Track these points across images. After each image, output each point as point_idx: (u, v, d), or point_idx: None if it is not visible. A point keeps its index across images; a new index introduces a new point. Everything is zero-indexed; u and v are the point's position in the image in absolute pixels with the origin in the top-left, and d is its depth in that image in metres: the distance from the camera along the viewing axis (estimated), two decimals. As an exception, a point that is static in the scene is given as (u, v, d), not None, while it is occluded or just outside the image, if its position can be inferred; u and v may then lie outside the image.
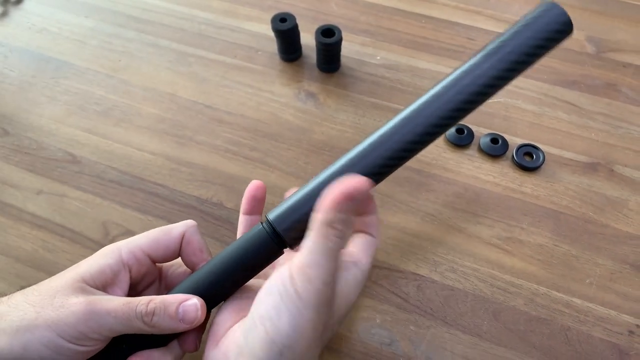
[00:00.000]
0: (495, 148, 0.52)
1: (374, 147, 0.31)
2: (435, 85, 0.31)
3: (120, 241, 0.35)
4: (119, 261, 0.33)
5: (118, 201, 0.50)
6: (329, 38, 0.55)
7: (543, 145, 0.53)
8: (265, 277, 0.37)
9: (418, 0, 0.68)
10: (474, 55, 0.31)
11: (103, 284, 0.33)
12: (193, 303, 0.32)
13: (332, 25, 0.56)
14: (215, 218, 0.49)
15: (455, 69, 0.31)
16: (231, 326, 0.32)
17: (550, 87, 0.58)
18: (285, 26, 0.56)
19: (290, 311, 0.27)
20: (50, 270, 0.46)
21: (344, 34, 0.58)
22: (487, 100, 0.31)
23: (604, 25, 0.65)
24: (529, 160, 0.52)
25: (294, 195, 0.32)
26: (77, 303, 0.30)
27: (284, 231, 0.31)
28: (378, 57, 0.61)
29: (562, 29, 0.30)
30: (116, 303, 0.30)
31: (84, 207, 0.50)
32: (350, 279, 0.33)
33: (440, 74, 0.59)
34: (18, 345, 0.29)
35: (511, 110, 0.56)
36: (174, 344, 0.34)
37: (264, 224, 0.32)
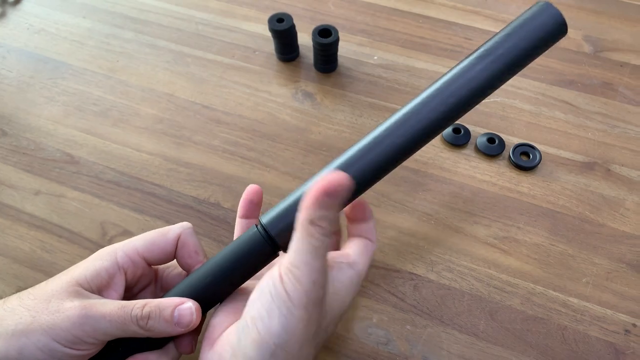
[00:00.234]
0: (492, 148, 0.52)
1: (369, 148, 0.31)
2: (429, 86, 0.31)
3: (116, 244, 0.35)
4: (115, 264, 0.33)
5: (116, 201, 0.50)
6: (326, 38, 0.55)
7: (540, 145, 0.53)
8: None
9: (415, 0, 0.68)
10: (468, 56, 0.31)
11: (98, 287, 0.33)
12: (188, 307, 0.32)
13: (329, 25, 0.56)
14: (213, 218, 0.49)
15: (449, 71, 0.31)
16: (227, 328, 0.32)
17: (547, 87, 0.58)
18: (282, 26, 0.56)
19: (281, 311, 0.27)
20: (48, 270, 0.46)
21: (341, 34, 0.58)
22: (481, 101, 0.31)
23: (601, 24, 0.65)
24: (525, 159, 0.52)
25: (286, 198, 0.32)
26: (72, 307, 0.30)
27: (277, 234, 0.32)
28: (375, 57, 0.62)
29: (557, 29, 0.30)
30: (111, 307, 0.31)
31: (82, 207, 0.50)
32: (344, 280, 0.33)
33: (438, 74, 0.59)
34: (14, 349, 0.29)
35: (508, 110, 0.56)
36: (170, 346, 0.34)
37: (258, 227, 0.33)
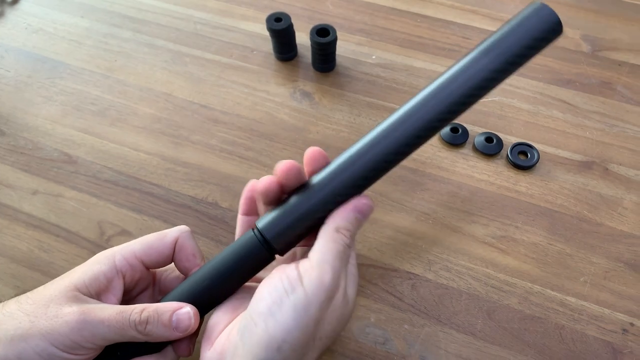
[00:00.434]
0: (490, 147, 0.52)
1: (365, 151, 0.31)
2: (426, 87, 0.31)
3: (114, 247, 0.35)
4: (113, 268, 0.34)
5: (114, 201, 0.50)
6: (324, 37, 0.55)
7: (538, 144, 0.53)
8: (258, 280, 0.37)
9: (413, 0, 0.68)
10: (464, 56, 0.31)
11: (97, 291, 0.33)
12: (186, 311, 0.32)
13: (327, 25, 0.56)
14: (211, 218, 0.49)
15: (445, 71, 0.31)
16: (226, 326, 0.32)
17: (545, 86, 0.58)
18: (280, 26, 0.56)
19: (296, 307, 0.28)
20: (45, 270, 0.46)
21: (339, 34, 0.58)
22: (477, 102, 0.31)
23: (599, 23, 0.65)
24: (523, 159, 0.52)
25: (282, 203, 0.32)
26: (71, 313, 0.30)
27: (273, 239, 0.32)
28: (373, 57, 0.62)
29: (552, 29, 0.30)
30: (109, 312, 0.31)
31: (80, 207, 0.50)
32: (349, 292, 0.33)
33: (436, 73, 0.59)
34: (13, 354, 0.29)
35: (506, 109, 0.56)
36: (168, 349, 0.34)
37: (255, 231, 0.33)
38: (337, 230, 0.31)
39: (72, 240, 0.48)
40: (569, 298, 0.44)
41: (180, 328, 0.32)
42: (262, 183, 0.34)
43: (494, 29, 0.64)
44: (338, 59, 0.61)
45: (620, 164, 0.52)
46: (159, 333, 0.31)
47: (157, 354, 0.34)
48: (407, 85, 0.59)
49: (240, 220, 0.39)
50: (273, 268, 0.39)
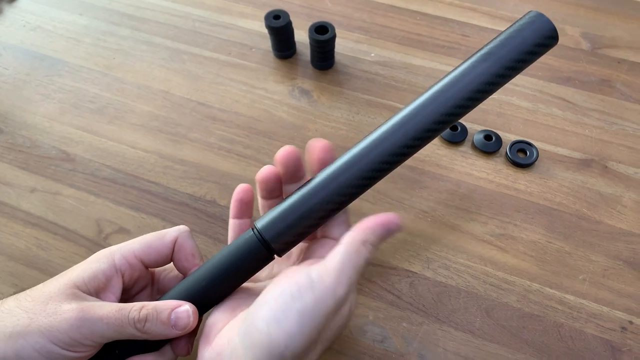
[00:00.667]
0: (489, 145, 0.52)
1: (366, 152, 0.32)
2: (425, 92, 0.32)
3: (113, 246, 0.35)
4: (112, 266, 0.34)
5: (112, 199, 0.50)
6: (323, 35, 0.55)
7: (537, 142, 0.53)
8: (256, 280, 0.37)
9: (413, -3, 0.68)
10: (462, 63, 0.31)
11: (96, 290, 0.33)
12: (185, 309, 0.32)
13: (326, 22, 0.56)
14: (209, 215, 0.49)
15: (444, 77, 0.32)
16: (224, 326, 0.32)
17: (544, 84, 0.58)
18: (278, 23, 0.56)
19: (302, 314, 0.27)
20: (43, 268, 0.46)
21: (338, 31, 0.58)
22: (474, 107, 0.32)
23: (598, 21, 0.64)
24: (522, 156, 0.51)
25: (282, 203, 0.32)
26: (70, 310, 0.30)
27: (272, 239, 0.32)
28: (372, 54, 0.61)
29: (548, 38, 0.31)
30: (108, 309, 0.31)
31: (78, 205, 0.50)
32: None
33: (435, 71, 0.59)
34: (11, 351, 0.29)
35: (505, 107, 0.56)
36: (167, 348, 0.34)
37: (255, 230, 0.33)
38: (364, 243, 0.30)
39: (70, 238, 0.48)
40: (567, 296, 0.44)
41: (179, 326, 0.31)
42: (261, 172, 0.34)
43: (494, 27, 0.64)
44: (337, 57, 0.61)
45: (620, 162, 0.52)
46: (157, 331, 0.31)
47: (156, 352, 0.33)
48: (406, 83, 0.58)
49: (232, 223, 0.39)
50: (272, 268, 0.39)
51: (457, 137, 0.53)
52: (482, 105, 0.55)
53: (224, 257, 0.33)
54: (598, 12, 0.66)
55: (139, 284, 0.36)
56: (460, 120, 0.54)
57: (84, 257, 0.34)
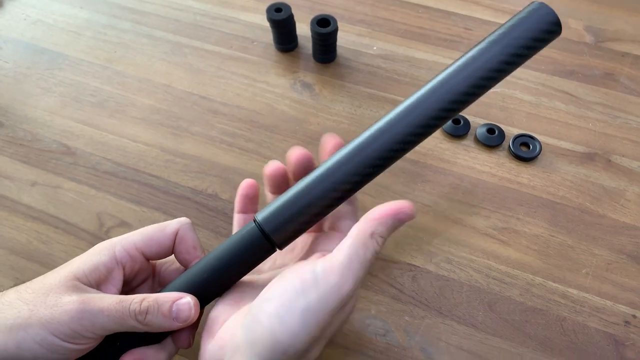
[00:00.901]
0: (492, 138, 0.52)
1: (367, 144, 0.31)
2: (427, 83, 0.31)
3: (114, 238, 0.35)
4: (113, 258, 0.33)
5: (113, 192, 0.50)
6: (325, 28, 0.55)
7: (540, 136, 0.52)
8: (259, 272, 0.37)
9: (415, -10, 0.67)
10: (463, 55, 0.31)
11: (97, 282, 0.32)
12: (187, 301, 0.32)
13: (328, 15, 0.55)
14: (210, 209, 0.49)
15: (445, 69, 0.31)
16: (227, 319, 0.32)
17: (547, 77, 0.58)
18: (280, 16, 0.55)
19: (306, 312, 0.27)
20: (44, 261, 0.46)
21: (340, 24, 0.57)
22: (476, 99, 0.31)
23: (602, 14, 0.64)
24: (525, 150, 0.51)
25: (283, 195, 0.32)
26: (70, 302, 0.30)
27: (272, 231, 0.31)
28: (374, 48, 0.61)
29: (551, 29, 0.30)
30: (109, 301, 0.30)
31: (79, 198, 0.50)
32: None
33: (437, 64, 0.59)
34: (12, 343, 0.29)
35: (508, 101, 0.56)
36: (168, 340, 0.34)
37: (256, 222, 0.32)
38: (373, 235, 0.29)
39: (71, 231, 0.48)
40: (570, 290, 0.44)
41: (180, 318, 0.31)
42: (269, 168, 0.34)
43: (497, 20, 0.64)
44: (339, 50, 0.60)
45: (623, 156, 0.51)
46: (158, 323, 0.31)
47: (157, 345, 0.33)
48: (408, 76, 0.58)
49: (237, 218, 0.39)
50: (275, 260, 0.39)
51: (460, 131, 0.52)
52: (484, 99, 0.55)
53: (226, 249, 0.33)
54: (602, 5, 0.65)
55: (139, 276, 0.36)
56: (462, 114, 0.53)
57: (85, 251, 0.34)
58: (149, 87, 0.58)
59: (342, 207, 0.36)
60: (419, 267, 0.45)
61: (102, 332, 0.30)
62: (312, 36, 0.56)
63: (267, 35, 0.62)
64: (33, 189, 0.50)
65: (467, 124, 0.53)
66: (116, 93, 0.57)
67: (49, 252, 0.46)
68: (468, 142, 0.52)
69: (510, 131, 0.53)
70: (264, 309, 0.28)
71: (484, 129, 0.52)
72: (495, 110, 0.55)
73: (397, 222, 0.29)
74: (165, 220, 0.37)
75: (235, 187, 0.49)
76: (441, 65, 0.59)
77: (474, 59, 0.30)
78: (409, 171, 0.50)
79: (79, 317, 0.29)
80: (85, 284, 0.32)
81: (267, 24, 0.60)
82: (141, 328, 0.31)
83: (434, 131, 0.32)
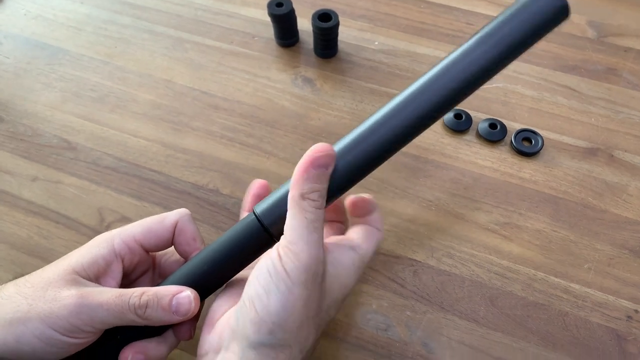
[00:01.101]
0: (494, 133, 0.51)
1: (367, 134, 0.31)
2: (429, 70, 0.31)
3: (113, 230, 0.35)
4: (112, 251, 0.33)
5: (113, 188, 0.50)
6: (326, 23, 0.54)
7: (542, 131, 0.52)
8: None
9: (417, -15, 0.67)
10: (468, 39, 0.30)
11: (96, 275, 0.32)
12: (186, 295, 0.32)
13: (329, 10, 0.55)
14: (211, 204, 0.49)
15: (449, 55, 0.31)
16: (226, 311, 0.32)
17: (550, 72, 0.57)
18: (281, 11, 0.55)
19: (280, 289, 0.28)
20: (45, 256, 0.46)
21: (341, 19, 0.57)
22: (482, 85, 0.31)
23: (605, 9, 0.64)
24: (527, 145, 0.51)
25: (280, 188, 0.32)
26: (69, 296, 0.30)
27: (270, 224, 0.31)
28: (376, 42, 0.61)
29: (559, 12, 0.29)
30: (108, 295, 0.30)
31: (79, 193, 0.49)
32: (345, 262, 0.32)
33: (439, 59, 0.58)
34: (11, 337, 0.29)
35: (510, 95, 0.55)
36: (169, 332, 0.34)
37: (255, 215, 0.32)
38: (302, 196, 0.28)
39: (71, 226, 0.47)
40: (572, 285, 0.43)
41: (180, 312, 0.31)
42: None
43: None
44: (340, 45, 0.60)
45: (626, 151, 0.51)
46: (158, 317, 0.31)
47: (158, 337, 0.33)
48: (410, 71, 0.58)
49: (244, 216, 0.39)
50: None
51: (462, 126, 0.52)
52: (486, 94, 0.55)
53: (225, 241, 0.33)
54: None
55: (139, 268, 0.36)
56: (464, 109, 0.53)
57: (86, 245, 0.34)
58: (149, 82, 0.58)
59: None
60: (420, 262, 0.45)
61: (101, 326, 0.30)
62: (314, 31, 0.56)
63: (268, 30, 0.62)
64: (34, 184, 0.50)
65: (469, 118, 0.53)
66: (117, 88, 0.57)
67: (50, 247, 0.46)
68: (470, 137, 0.52)
69: (512, 126, 0.53)
70: (247, 292, 0.29)
71: (485, 124, 0.52)
72: (497, 105, 0.55)
73: (320, 170, 0.29)
74: (166, 215, 0.37)
75: (236, 183, 0.49)
76: (441, 59, 0.58)
77: (480, 42, 0.29)
78: (411, 166, 0.50)
79: (77, 311, 0.29)
80: (84, 278, 0.32)
81: (268, 19, 0.60)
82: (141, 322, 0.31)
83: (442, 116, 0.31)
